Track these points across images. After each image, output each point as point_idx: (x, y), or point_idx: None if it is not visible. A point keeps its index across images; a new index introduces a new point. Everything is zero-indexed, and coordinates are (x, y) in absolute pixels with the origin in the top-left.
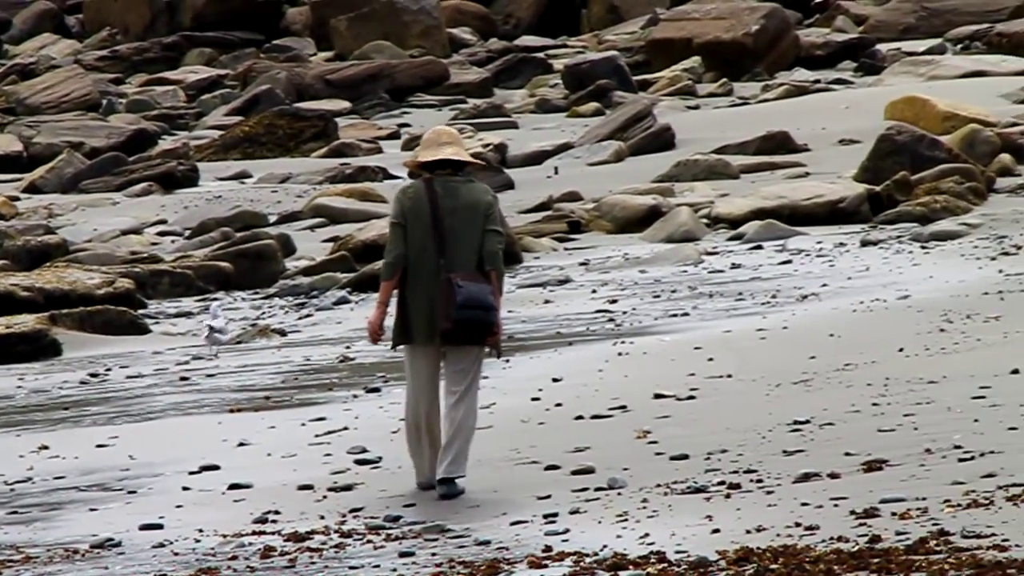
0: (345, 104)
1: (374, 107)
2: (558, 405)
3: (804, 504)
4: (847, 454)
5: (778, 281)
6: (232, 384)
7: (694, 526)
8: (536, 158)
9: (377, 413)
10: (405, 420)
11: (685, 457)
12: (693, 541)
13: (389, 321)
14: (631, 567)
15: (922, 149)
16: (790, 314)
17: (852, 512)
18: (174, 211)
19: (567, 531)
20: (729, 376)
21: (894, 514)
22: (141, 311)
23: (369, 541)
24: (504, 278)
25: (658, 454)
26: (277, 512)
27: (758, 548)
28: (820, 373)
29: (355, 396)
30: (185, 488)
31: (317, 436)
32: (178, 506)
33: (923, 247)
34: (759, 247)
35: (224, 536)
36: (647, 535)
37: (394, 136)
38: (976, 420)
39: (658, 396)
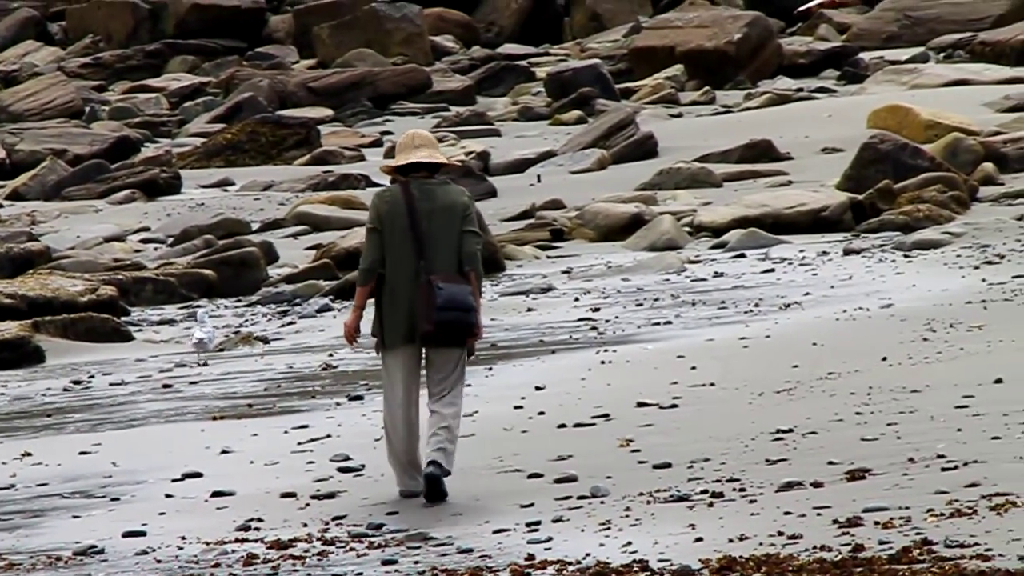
0: (328, 112)
1: (357, 115)
2: (541, 413)
3: (787, 513)
4: (830, 463)
5: (761, 290)
6: (215, 391)
7: (677, 535)
8: (519, 166)
9: (360, 421)
10: (384, 427)
11: (668, 466)
12: (676, 550)
13: (366, 327)
14: (614, 575)
15: (905, 158)
16: (773, 323)
17: (835, 521)
18: (157, 218)
19: (550, 539)
20: (712, 385)
21: (877, 523)
22: (124, 318)
23: (352, 549)
24: (483, 279)
25: (641, 462)
26: (260, 520)
27: (741, 557)
28: (803, 382)
29: (338, 404)
30: (168, 495)
31: (300, 444)
32: (161, 513)
33: (906, 256)
34: (742, 256)
35: (207, 543)
36: (630, 543)
37: (377, 144)
38: (959, 429)
39: (641, 404)
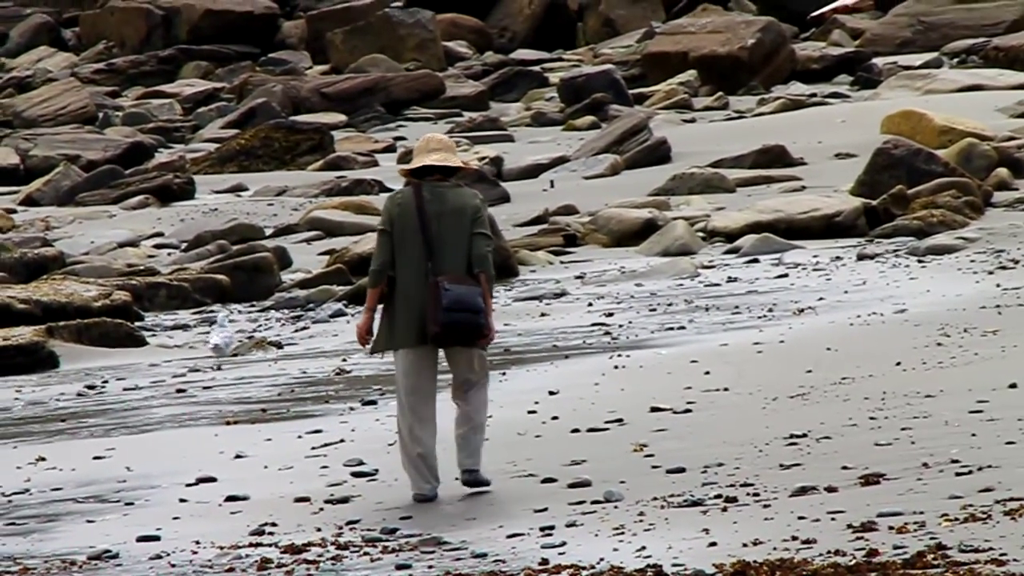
0: (341, 117)
1: (370, 120)
2: (555, 418)
3: (801, 518)
4: (844, 468)
5: (775, 295)
6: (229, 396)
7: (691, 539)
8: (532, 171)
9: (373, 426)
10: (398, 430)
11: (682, 470)
12: (690, 554)
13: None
14: None
15: (919, 163)
16: (787, 328)
17: (849, 526)
18: (170, 224)
19: (564, 544)
20: (726, 390)
21: (891, 528)
22: (138, 323)
23: (366, 553)
24: (494, 281)
25: (655, 467)
26: (274, 524)
27: (755, 562)
28: (817, 387)
29: (351, 409)
30: (182, 500)
31: (313, 448)
32: (175, 518)
33: (920, 261)
34: (755, 261)
35: (221, 548)
36: (644, 548)
37: (390, 149)
38: (974, 434)
39: (655, 409)
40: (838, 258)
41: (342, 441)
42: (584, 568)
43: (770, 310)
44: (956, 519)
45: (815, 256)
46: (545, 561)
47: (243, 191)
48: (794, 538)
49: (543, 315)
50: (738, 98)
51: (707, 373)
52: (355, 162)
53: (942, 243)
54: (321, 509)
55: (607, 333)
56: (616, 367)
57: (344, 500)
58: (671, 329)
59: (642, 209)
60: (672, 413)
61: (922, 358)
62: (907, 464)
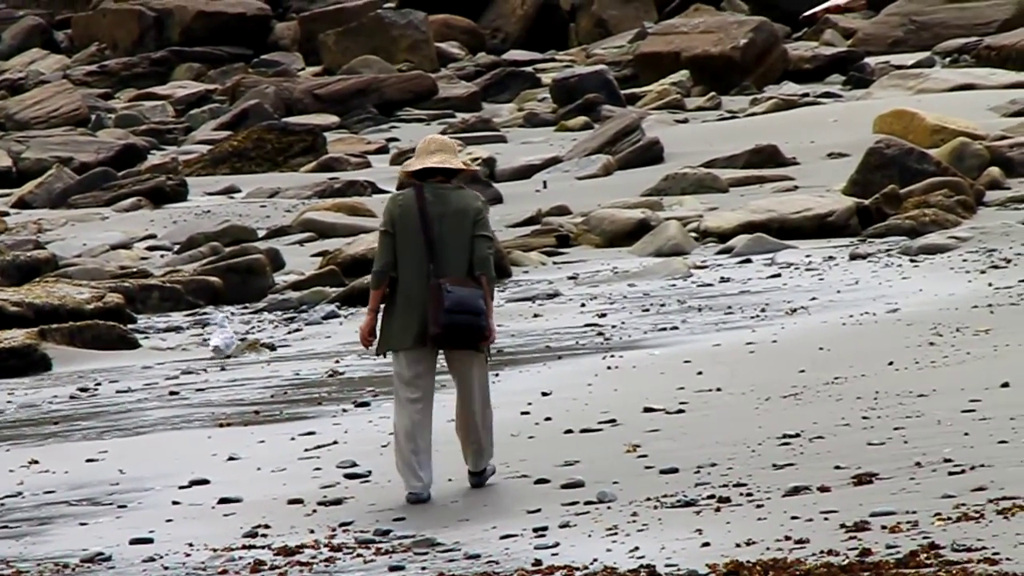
0: (334, 118)
1: (363, 121)
2: (548, 419)
3: (794, 518)
4: (837, 467)
5: (767, 295)
6: (221, 398)
7: (684, 540)
8: (524, 172)
9: (367, 427)
10: (394, 431)
11: (675, 471)
12: (683, 555)
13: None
14: None
15: (911, 162)
16: (779, 328)
17: (842, 526)
18: (163, 226)
19: (557, 545)
20: (719, 390)
21: (884, 527)
22: (130, 326)
23: (359, 555)
24: (495, 283)
25: (648, 468)
26: (267, 526)
27: (748, 562)
28: (810, 387)
29: (344, 410)
30: (175, 502)
31: (307, 450)
32: (168, 520)
33: (912, 260)
34: (748, 261)
35: (214, 550)
36: (637, 549)
37: (383, 150)
38: (966, 433)
39: (648, 410)
40: (831, 258)
41: (335, 443)
42: (577, 569)
43: (763, 310)
44: (949, 518)
45: (808, 256)
46: (538, 562)
47: (235, 193)
48: (787, 538)
49: (536, 316)
50: (730, 98)
51: (700, 373)
52: (348, 163)
53: (934, 242)
54: (314, 511)
55: (600, 334)
56: (609, 368)
57: (337, 502)
58: (664, 329)
59: (635, 209)
60: (665, 413)
61: (915, 357)
62: (900, 463)
